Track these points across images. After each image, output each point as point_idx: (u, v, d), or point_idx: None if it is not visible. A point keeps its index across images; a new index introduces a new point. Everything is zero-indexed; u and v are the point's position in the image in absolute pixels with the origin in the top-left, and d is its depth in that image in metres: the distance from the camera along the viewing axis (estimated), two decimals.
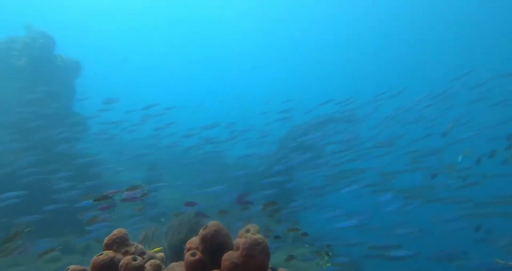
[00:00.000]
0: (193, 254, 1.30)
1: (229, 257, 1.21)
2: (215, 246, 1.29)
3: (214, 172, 13.76)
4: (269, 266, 1.33)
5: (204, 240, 1.28)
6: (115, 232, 1.89)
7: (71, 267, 1.67)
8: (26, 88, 8.58)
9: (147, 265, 1.81)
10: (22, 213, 6.28)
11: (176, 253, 3.18)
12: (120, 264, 1.61)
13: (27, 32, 9.65)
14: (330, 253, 5.43)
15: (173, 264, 1.42)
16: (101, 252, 1.68)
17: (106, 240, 1.84)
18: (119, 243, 1.83)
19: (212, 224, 1.33)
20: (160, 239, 3.33)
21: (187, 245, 1.47)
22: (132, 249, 1.87)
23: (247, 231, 1.72)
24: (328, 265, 6.98)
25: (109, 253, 1.67)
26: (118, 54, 39.74)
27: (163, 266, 2.05)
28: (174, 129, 12.59)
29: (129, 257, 1.64)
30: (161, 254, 2.35)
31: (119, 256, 1.71)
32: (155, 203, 10.48)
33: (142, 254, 2.03)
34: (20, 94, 8.43)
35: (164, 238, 3.37)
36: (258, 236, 1.21)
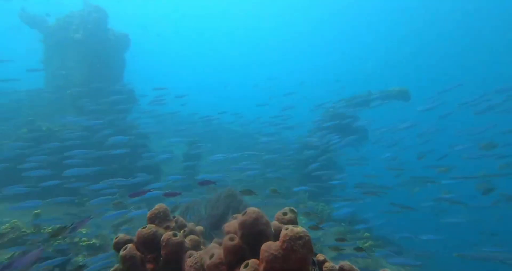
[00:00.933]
0: (231, 239, 1.26)
1: (268, 248, 1.13)
2: (253, 234, 1.22)
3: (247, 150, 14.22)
4: (312, 259, 1.22)
5: (243, 226, 1.21)
6: (157, 207, 1.96)
7: (120, 235, 1.78)
8: (84, 61, 9.19)
9: (187, 240, 1.86)
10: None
11: (214, 226, 3.33)
12: (162, 239, 1.67)
13: (84, 6, 10.18)
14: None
15: (212, 245, 1.41)
16: (145, 226, 1.76)
17: (149, 214, 1.92)
18: (161, 218, 1.90)
19: (252, 210, 1.25)
20: (200, 211, 3.50)
21: (226, 228, 1.43)
22: (173, 224, 1.93)
23: (285, 214, 1.63)
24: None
25: (152, 227, 1.74)
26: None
27: (201, 240, 2.12)
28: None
29: (169, 233, 1.69)
30: (201, 227, 2.42)
31: (161, 230, 1.78)
32: (195, 173, 11.13)
33: (182, 227, 2.10)
34: (80, 67, 9.09)
35: (204, 211, 3.54)
36: (300, 229, 1.10)
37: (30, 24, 10.18)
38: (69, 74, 9.33)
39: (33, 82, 10.61)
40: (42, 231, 5.39)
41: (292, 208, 1.80)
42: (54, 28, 9.75)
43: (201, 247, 1.92)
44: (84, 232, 5.93)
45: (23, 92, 10.97)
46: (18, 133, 8.67)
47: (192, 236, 1.90)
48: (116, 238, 1.77)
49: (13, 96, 11.08)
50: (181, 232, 1.95)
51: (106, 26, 9.74)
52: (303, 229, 1.07)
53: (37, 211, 6.04)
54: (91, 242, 5.74)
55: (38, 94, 10.99)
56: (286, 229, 1.11)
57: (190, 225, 2.18)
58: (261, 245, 1.18)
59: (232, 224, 1.44)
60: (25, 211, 6.33)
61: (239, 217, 1.28)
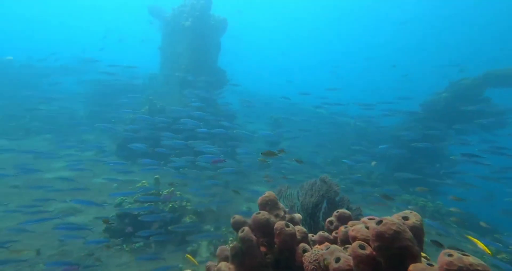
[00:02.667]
0: (362, 247, 1.13)
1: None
2: (394, 250, 1.04)
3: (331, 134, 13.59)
4: None
5: (380, 238, 1.05)
6: (266, 194, 2.00)
7: (236, 216, 1.91)
8: (189, 46, 10.30)
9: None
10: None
11: (308, 214, 3.29)
12: (275, 227, 1.69)
13: None
14: None
15: (334, 246, 1.31)
16: (259, 211, 1.82)
17: (259, 200, 1.98)
18: (271, 205, 1.93)
19: (391, 222, 1.07)
20: (293, 196, 3.51)
21: (351, 232, 1.30)
22: (282, 213, 1.94)
23: (405, 218, 1.37)
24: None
25: (265, 214, 1.78)
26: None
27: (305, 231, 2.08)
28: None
29: (282, 223, 1.70)
30: (299, 215, 2.40)
31: (272, 218, 1.81)
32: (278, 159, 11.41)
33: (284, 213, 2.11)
34: (186, 52, 10.27)
35: (296, 197, 3.54)
36: (475, 261, 0.86)
37: (153, 15, 11.95)
38: (177, 59, 10.66)
39: (153, 66, 12.64)
40: (160, 192, 6.63)
41: (413, 211, 1.52)
42: (170, 17, 11.16)
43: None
44: (188, 197, 7.00)
45: (148, 75, 13.32)
46: (141, 110, 10.68)
47: (299, 227, 1.87)
48: (233, 218, 1.90)
49: (140, 80, 13.65)
50: (292, 226, 1.95)
51: (209, 12, 10.49)
52: (481, 263, 0.83)
53: (157, 176, 7.44)
54: (193, 207, 6.73)
55: (155, 77, 13.12)
56: (450, 255, 0.89)
57: (288, 211, 2.17)
58: (406, 265, 1.01)
59: (358, 229, 1.30)
60: (150, 174, 7.89)
61: (374, 227, 1.11)
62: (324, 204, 3.26)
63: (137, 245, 5.66)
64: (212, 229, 6.32)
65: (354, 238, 1.27)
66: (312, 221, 3.15)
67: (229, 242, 5.60)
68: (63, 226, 4.91)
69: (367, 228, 1.24)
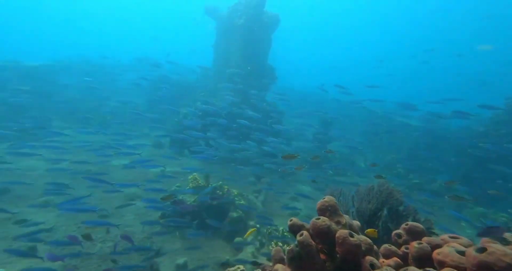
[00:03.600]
0: None
1: None
2: None
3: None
4: None
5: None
6: (326, 199, 1.88)
7: (294, 219, 1.84)
8: (241, 44, 10.47)
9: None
10: None
11: (364, 222, 3.06)
12: (337, 236, 1.57)
13: None
14: None
15: (412, 269, 1.15)
16: (318, 217, 1.72)
17: (318, 205, 1.87)
18: (332, 212, 1.81)
19: (501, 252, 0.88)
20: (347, 202, 3.30)
21: (437, 256, 1.13)
22: (343, 220, 1.81)
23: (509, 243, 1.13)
24: None
25: (326, 221, 1.68)
26: None
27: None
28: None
29: (345, 231, 1.57)
30: (357, 222, 2.22)
31: (333, 225, 1.70)
32: (322, 158, 10.97)
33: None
34: (238, 49, 10.48)
35: (351, 202, 3.31)
36: None
37: (209, 14, 12.47)
38: (229, 56, 10.94)
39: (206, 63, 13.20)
40: (210, 184, 6.93)
41: None
42: (224, 16, 11.51)
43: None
44: (236, 192, 7.18)
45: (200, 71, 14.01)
46: (195, 105, 11.30)
47: (363, 237, 1.71)
48: (290, 221, 1.84)
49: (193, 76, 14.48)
50: (357, 235, 1.81)
51: (262, 9, 10.51)
52: None
53: (207, 170, 7.81)
54: (241, 202, 6.87)
55: (207, 74, 13.73)
56: None
57: (347, 218, 2.01)
58: None
59: (447, 253, 1.11)
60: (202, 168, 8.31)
61: (475, 256, 0.93)
62: (385, 212, 2.99)
63: (188, 232, 6.01)
64: (257, 226, 6.38)
65: (442, 263, 1.09)
66: (369, 228, 2.91)
67: (273, 243, 5.59)
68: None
69: (461, 253, 1.05)
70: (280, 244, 5.53)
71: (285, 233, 5.75)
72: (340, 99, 13.12)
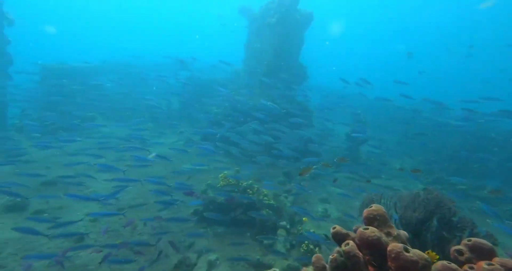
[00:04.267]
0: None
1: None
2: None
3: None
4: None
5: None
6: (374, 207, 1.75)
7: (337, 227, 1.74)
8: (273, 43, 10.37)
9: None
10: None
11: (410, 231, 2.84)
12: (389, 249, 1.45)
13: None
14: None
15: None
16: (366, 227, 1.61)
17: (366, 213, 1.75)
18: (381, 221, 1.68)
19: None
20: (388, 208, 3.08)
21: None
22: (394, 231, 1.67)
23: None
24: None
25: (376, 232, 1.55)
26: None
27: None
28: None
29: (399, 246, 1.44)
30: (404, 232, 2.04)
31: (384, 237, 1.57)
32: (355, 159, 10.52)
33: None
34: (270, 49, 10.40)
35: (393, 209, 3.10)
36: None
37: (242, 14, 12.56)
38: (261, 55, 10.91)
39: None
40: (240, 183, 6.98)
41: None
42: (256, 15, 11.52)
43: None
44: (265, 192, 7.15)
45: (231, 71, 14.19)
46: (225, 105, 11.46)
47: (418, 252, 1.56)
48: (334, 228, 1.74)
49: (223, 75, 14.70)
50: (413, 250, 1.66)
51: (296, 7, 10.32)
52: None
53: (237, 168, 7.88)
54: (270, 202, 6.83)
55: (237, 72, 13.85)
56: None
57: (393, 229, 1.85)
58: None
59: None
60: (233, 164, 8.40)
61: None
62: (435, 223, 2.74)
63: (219, 230, 6.12)
64: (288, 226, 6.29)
65: None
66: (417, 240, 2.70)
67: (304, 245, 5.46)
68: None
69: None
70: (311, 246, 5.39)
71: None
72: (368, 96, 12.44)
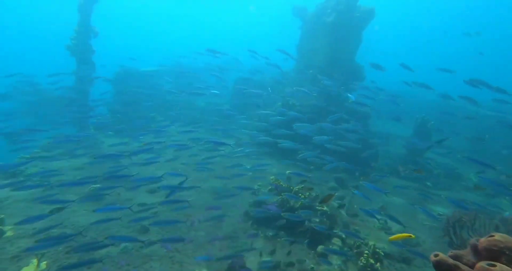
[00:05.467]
0: None
1: None
2: None
3: None
4: None
5: None
6: (498, 237, 1.45)
7: (441, 255, 1.48)
8: (328, 42, 9.97)
9: None
10: None
11: None
12: None
13: None
14: None
15: None
16: (491, 263, 1.33)
17: (485, 243, 1.46)
18: (510, 257, 1.38)
19: None
20: (486, 231, 2.62)
21: None
22: None
23: None
24: None
25: (504, 268, 1.27)
26: None
27: None
28: None
29: None
30: None
31: None
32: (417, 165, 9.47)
33: None
34: (324, 48, 10.03)
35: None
36: None
37: (296, 15, 12.38)
38: (314, 56, 10.58)
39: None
40: (291, 187, 6.83)
41: None
42: (310, 15, 11.23)
43: None
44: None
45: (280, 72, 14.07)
46: (275, 106, 11.40)
47: None
48: (436, 256, 1.49)
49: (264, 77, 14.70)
50: None
51: (356, 4, 9.75)
52: None
53: (288, 171, 7.74)
54: (324, 209, 6.53)
55: (287, 74, 13.68)
56: None
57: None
58: None
59: None
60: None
61: None
62: None
63: (270, 233, 6.05)
64: (343, 236, 5.93)
65: None
66: None
67: (362, 258, 5.05)
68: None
69: None
70: (371, 260, 4.97)
71: (377, 250, 5.14)
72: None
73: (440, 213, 6.75)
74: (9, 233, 5.24)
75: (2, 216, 5.56)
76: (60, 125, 11.12)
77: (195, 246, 5.36)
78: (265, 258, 5.17)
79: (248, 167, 8.24)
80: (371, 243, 5.48)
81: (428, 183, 8.37)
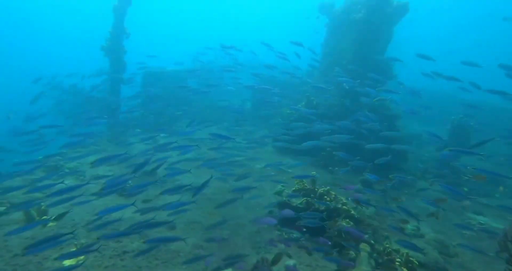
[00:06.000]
0: None
1: None
2: None
3: None
4: None
5: None
6: None
7: None
8: (356, 39, 9.58)
9: None
10: None
11: None
12: None
13: None
14: None
15: None
16: None
17: None
18: None
19: None
20: None
21: None
22: None
23: None
24: None
25: None
26: None
27: None
28: None
29: None
30: None
31: None
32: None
33: None
34: (352, 45, 9.66)
35: None
36: None
37: (322, 12, 12.10)
38: (340, 54, 10.24)
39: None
40: (316, 189, 6.64)
41: None
42: (338, 12, 10.88)
43: None
44: (344, 200, 6.62)
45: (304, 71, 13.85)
46: (298, 105, 11.20)
47: None
48: None
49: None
50: None
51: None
52: None
53: (313, 173, 7.54)
54: (351, 212, 6.27)
55: (310, 73, 13.42)
56: None
57: None
58: None
59: None
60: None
61: None
62: None
63: (294, 235, 5.92)
64: (371, 241, 5.66)
65: None
66: None
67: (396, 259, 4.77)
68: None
69: None
70: (405, 270, 4.68)
71: (411, 259, 4.83)
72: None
73: (482, 222, 6.24)
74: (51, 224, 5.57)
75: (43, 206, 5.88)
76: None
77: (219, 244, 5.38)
78: (291, 260, 5.06)
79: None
80: (405, 251, 5.16)
81: (465, 189, 7.78)
